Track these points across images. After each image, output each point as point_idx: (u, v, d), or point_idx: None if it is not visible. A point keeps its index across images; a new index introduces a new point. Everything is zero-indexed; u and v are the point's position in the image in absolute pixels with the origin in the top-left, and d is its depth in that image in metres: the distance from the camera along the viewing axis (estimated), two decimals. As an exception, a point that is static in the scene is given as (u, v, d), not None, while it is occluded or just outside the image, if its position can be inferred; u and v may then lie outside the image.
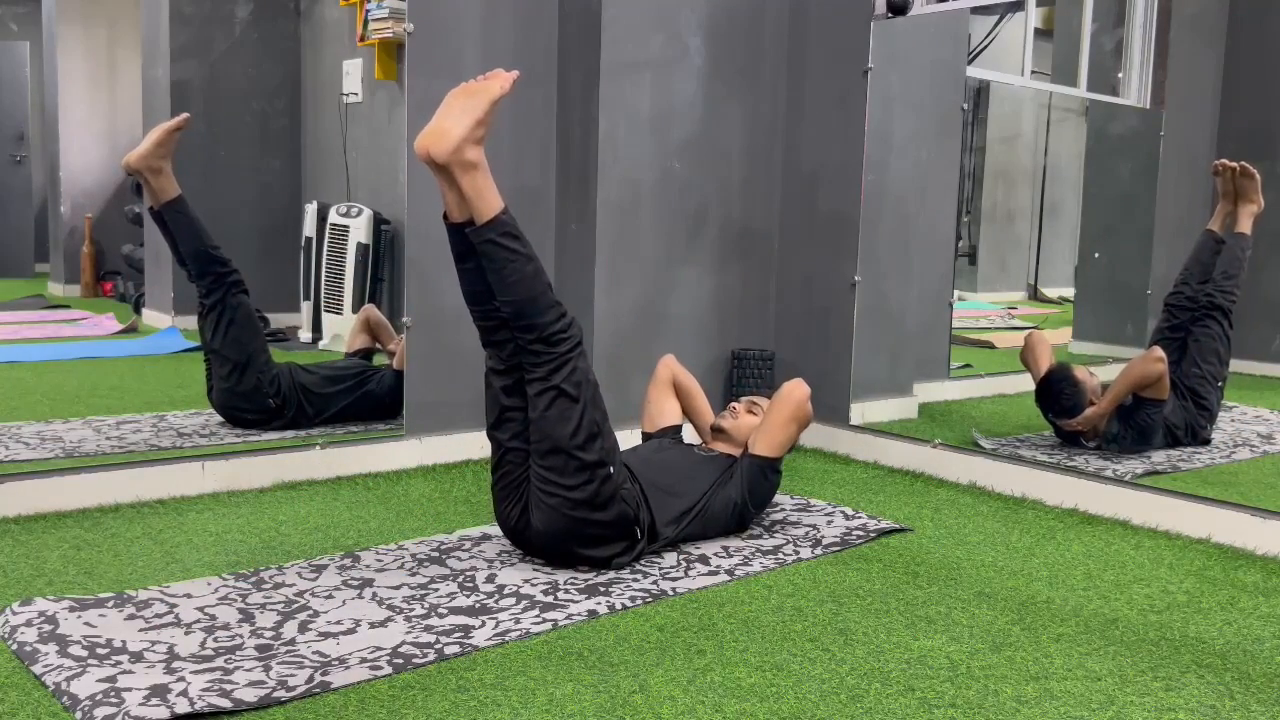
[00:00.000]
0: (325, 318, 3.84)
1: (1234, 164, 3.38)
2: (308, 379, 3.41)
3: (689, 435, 2.93)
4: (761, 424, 2.60)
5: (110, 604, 2.01)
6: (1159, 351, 3.31)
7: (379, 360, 3.64)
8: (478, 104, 2.14)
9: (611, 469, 2.25)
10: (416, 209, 3.18)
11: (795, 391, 2.58)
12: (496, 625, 1.99)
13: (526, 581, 2.23)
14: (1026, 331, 3.66)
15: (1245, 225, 3.42)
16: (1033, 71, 3.79)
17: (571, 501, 2.22)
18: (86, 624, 1.90)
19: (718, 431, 2.73)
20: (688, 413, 2.91)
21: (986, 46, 3.96)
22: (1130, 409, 3.37)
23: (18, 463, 2.85)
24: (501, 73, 2.21)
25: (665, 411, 2.85)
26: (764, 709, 1.69)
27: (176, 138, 3.16)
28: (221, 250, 3.26)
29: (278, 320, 3.91)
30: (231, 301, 3.25)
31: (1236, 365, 3.59)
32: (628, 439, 3.03)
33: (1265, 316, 3.61)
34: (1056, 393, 3.46)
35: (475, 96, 2.16)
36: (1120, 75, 3.76)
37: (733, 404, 2.78)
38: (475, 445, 3.29)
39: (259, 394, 3.30)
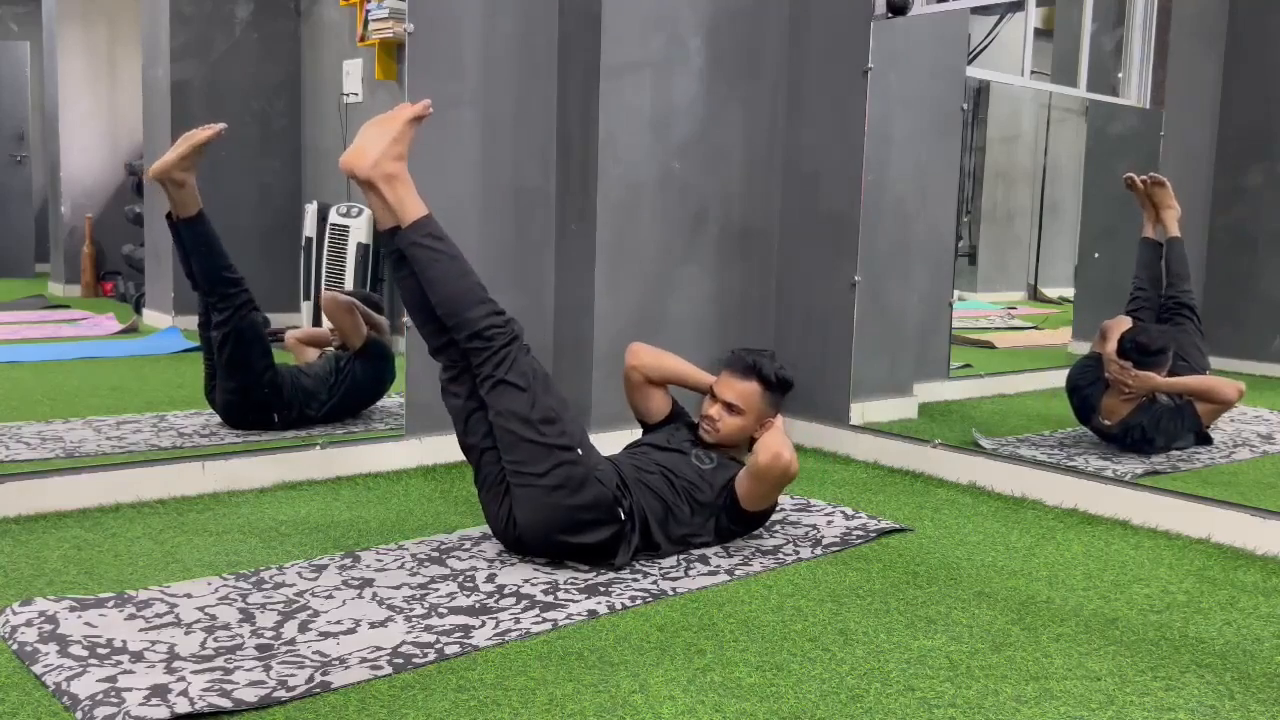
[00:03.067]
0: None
1: (1142, 177, 3.44)
2: (307, 382, 3.42)
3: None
4: (748, 488, 2.42)
5: (110, 604, 2.01)
6: (1243, 386, 3.28)
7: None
8: (393, 125, 2.33)
9: (580, 450, 2.27)
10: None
11: (775, 468, 2.33)
12: (496, 625, 1.99)
13: (526, 581, 2.23)
14: (1110, 321, 3.57)
15: (1174, 229, 3.50)
16: (1033, 71, 3.79)
17: (545, 488, 2.24)
18: (87, 624, 1.90)
19: (707, 448, 2.62)
20: (683, 386, 2.75)
21: (986, 46, 3.96)
22: (1167, 409, 3.35)
23: (18, 463, 2.85)
24: (406, 104, 2.39)
25: (651, 412, 2.74)
26: (764, 709, 1.69)
27: (205, 151, 3.07)
28: (235, 269, 3.21)
29: (278, 320, 3.90)
30: (240, 323, 3.21)
31: (1237, 365, 3.59)
32: (621, 442, 3.02)
33: (1265, 316, 3.61)
34: (1159, 345, 3.31)
35: (390, 120, 2.35)
36: (1120, 75, 3.77)
37: (707, 413, 2.60)
38: (475, 445, 3.29)
39: (263, 409, 3.31)
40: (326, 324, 3.64)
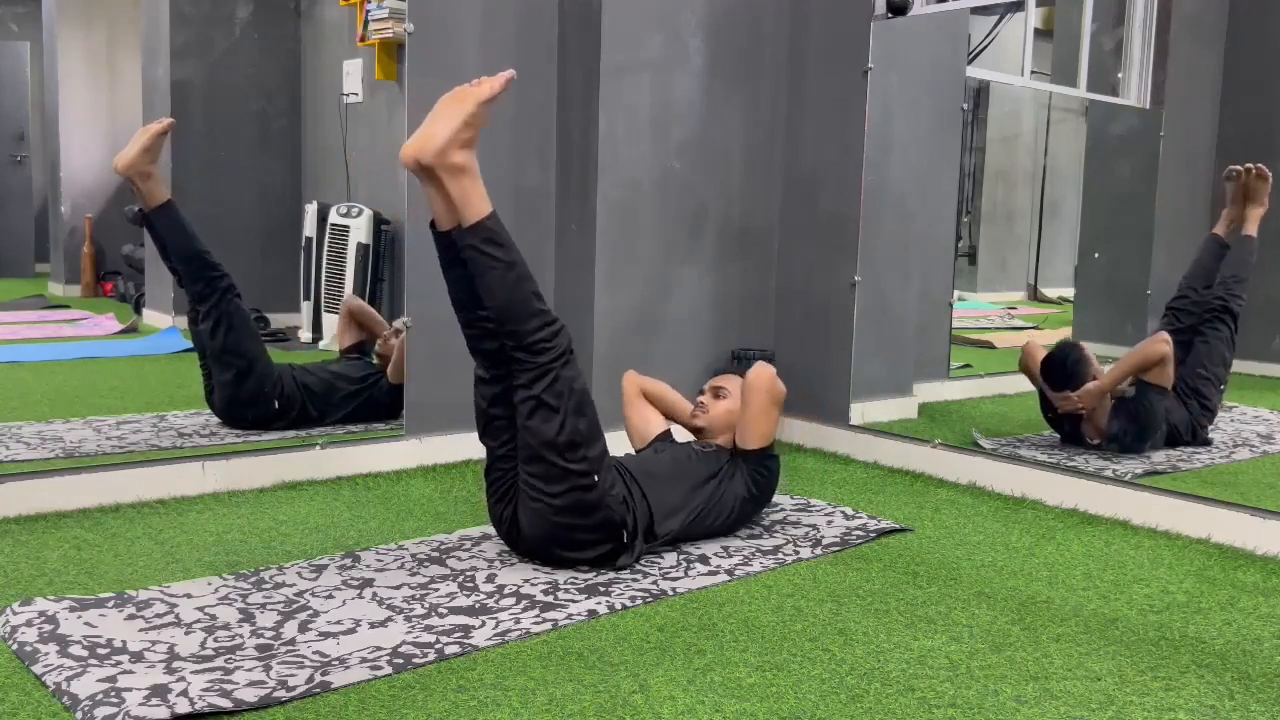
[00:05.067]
0: (325, 318, 3.84)
1: (1248, 166, 3.38)
2: (310, 380, 3.41)
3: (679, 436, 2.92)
4: (742, 419, 2.57)
5: (110, 604, 2.01)
6: (1165, 334, 3.32)
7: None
8: (465, 107, 2.13)
9: (597, 476, 2.24)
10: (416, 209, 3.17)
11: (762, 376, 2.53)
12: (496, 625, 1.99)
13: (526, 581, 2.23)
14: (1024, 344, 3.63)
15: (1252, 228, 3.40)
16: (1033, 71, 3.79)
17: (554, 508, 2.23)
18: (87, 624, 1.90)
19: (698, 432, 2.73)
20: (667, 415, 2.87)
21: (986, 46, 3.96)
22: (1132, 400, 3.36)
23: (18, 463, 2.85)
24: (486, 79, 2.19)
25: (648, 421, 2.82)
26: (764, 709, 1.69)
27: (163, 141, 3.11)
28: (212, 254, 3.23)
29: (278, 320, 3.91)
30: (228, 307, 3.22)
31: (1236, 365, 3.58)
32: (625, 441, 3.03)
33: (1265, 316, 3.61)
34: (1062, 360, 3.44)
35: (463, 101, 2.15)
36: (1120, 75, 3.76)
37: (699, 399, 2.76)
38: (475, 445, 3.25)
39: (262, 398, 3.30)
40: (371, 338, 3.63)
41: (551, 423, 2.20)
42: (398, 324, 3.54)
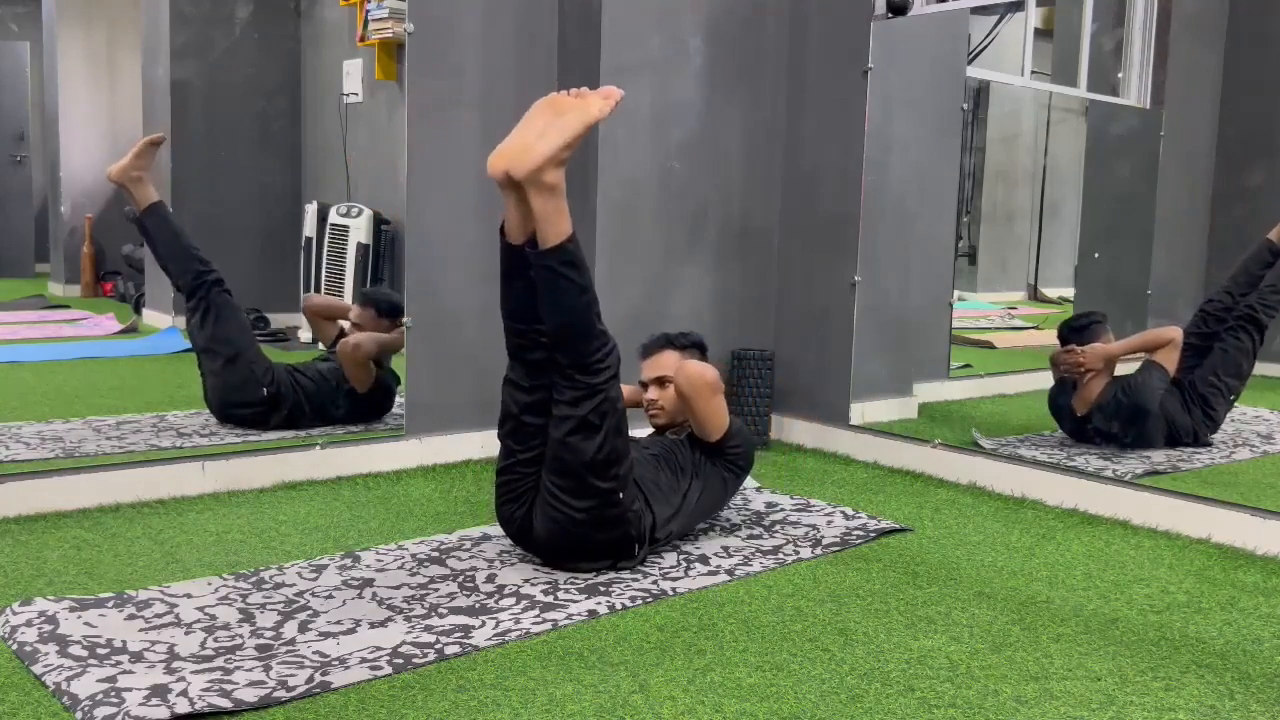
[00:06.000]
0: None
1: None
2: (304, 381, 3.41)
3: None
4: (694, 421, 2.52)
5: (110, 604, 2.01)
6: (1177, 327, 3.36)
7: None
8: (570, 124, 2.06)
9: (622, 494, 2.24)
10: (416, 209, 3.18)
11: (692, 380, 2.44)
12: (496, 625, 1.99)
13: (526, 581, 2.23)
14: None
15: None
16: (1033, 71, 3.79)
17: (575, 520, 2.23)
18: (86, 624, 1.90)
19: (662, 429, 2.70)
20: None
21: (986, 46, 3.96)
22: (1131, 374, 3.36)
23: (18, 463, 2.85)
24: (588, 92, 2.12)
25: None
26: (764, 709, 1.69)
27: (155, 151, 3.29)
28: (201, 251, 3.31)
29: (278, 320, 3.91)
30: (215, 299, 3.29)
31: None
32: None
33: (1266, 316, 3.61)
34: (1082, 317, 3.49)
35: (567, 115, 2.07)
36: (1120, 75, 3.76)
37: (645, 399, 2.68)
38: (475, 445, 3.29)
39: (252, 384, 3.31)
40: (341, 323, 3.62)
41: (592, 441, 2.17)
42: (352, 313, 3.54)
